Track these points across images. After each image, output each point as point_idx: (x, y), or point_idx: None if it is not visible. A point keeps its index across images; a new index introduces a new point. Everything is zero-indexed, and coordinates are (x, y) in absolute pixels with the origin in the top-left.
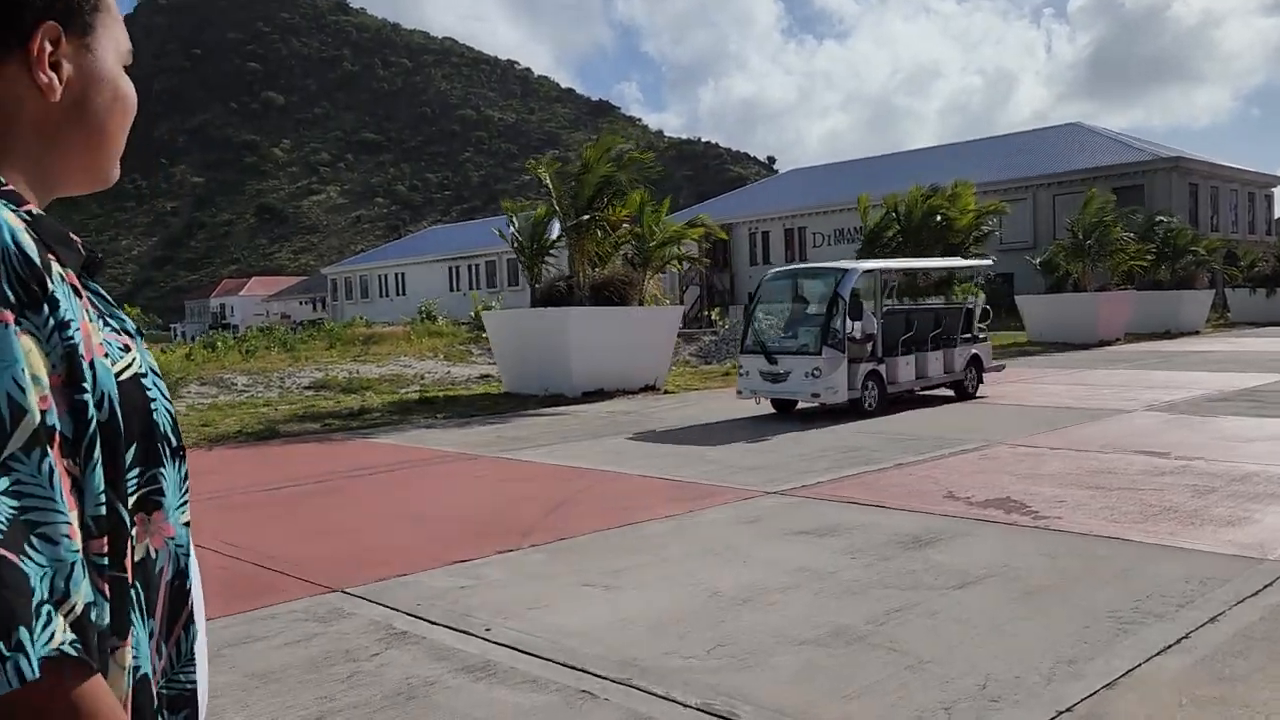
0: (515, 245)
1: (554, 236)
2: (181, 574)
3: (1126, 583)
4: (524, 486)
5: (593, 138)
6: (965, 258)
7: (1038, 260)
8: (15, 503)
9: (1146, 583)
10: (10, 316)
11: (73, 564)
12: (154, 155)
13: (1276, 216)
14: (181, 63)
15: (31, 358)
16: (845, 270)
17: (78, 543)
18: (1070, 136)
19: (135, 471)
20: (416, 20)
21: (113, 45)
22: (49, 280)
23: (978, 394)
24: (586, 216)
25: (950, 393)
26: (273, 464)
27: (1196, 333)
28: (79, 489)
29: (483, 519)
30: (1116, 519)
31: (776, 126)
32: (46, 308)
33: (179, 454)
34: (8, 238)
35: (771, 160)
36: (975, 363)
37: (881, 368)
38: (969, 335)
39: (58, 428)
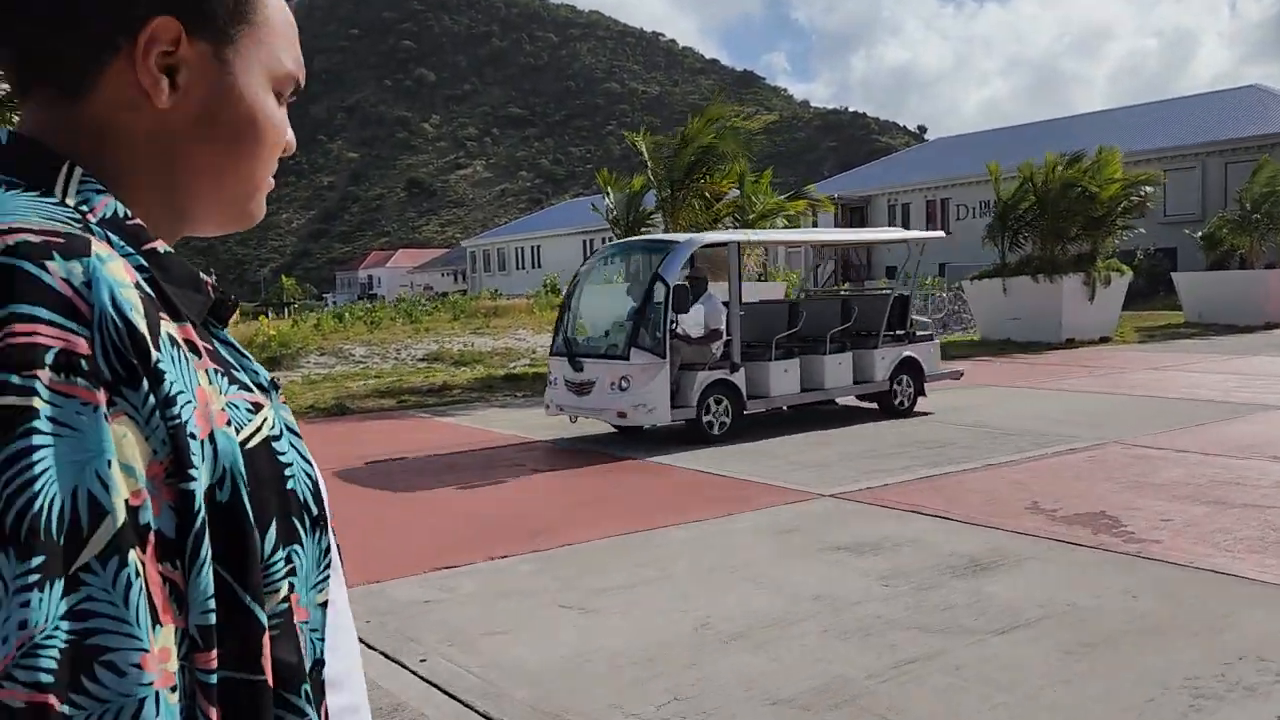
0: (610, 218)
1: (651, 209)
2: (318, 663)
3: (1218, 637)
4: (562, 479)
5: (735, 109)
6: (1110, 232)
7: (1199, 234)
8: (78, 626)
9: (1244, 638)
10: (102, 397)
11: (142, 700)
12: (313, 132)
13: None
14: (340, 42)
15: (125, 445)
16: (674, 244)
17: (153, 673)
18: (1247, 100)
19: (281, 555)
20: None
21: (261, 65)
22: (154, 349)
23: (915, 408)
24: (681, 189)
25: (874, 406)
26: (326, 443)
27: None
28: (179, 598)
29: (497, 516)
30: (1229, 546)
31: (930, 95)
32: (147, 383)
33: (319, 524)
34: (106, 300)
35: (922, 130)
36: (909, 369)
37: (737, 376)
38: (900, 332)
39: (153, 526)
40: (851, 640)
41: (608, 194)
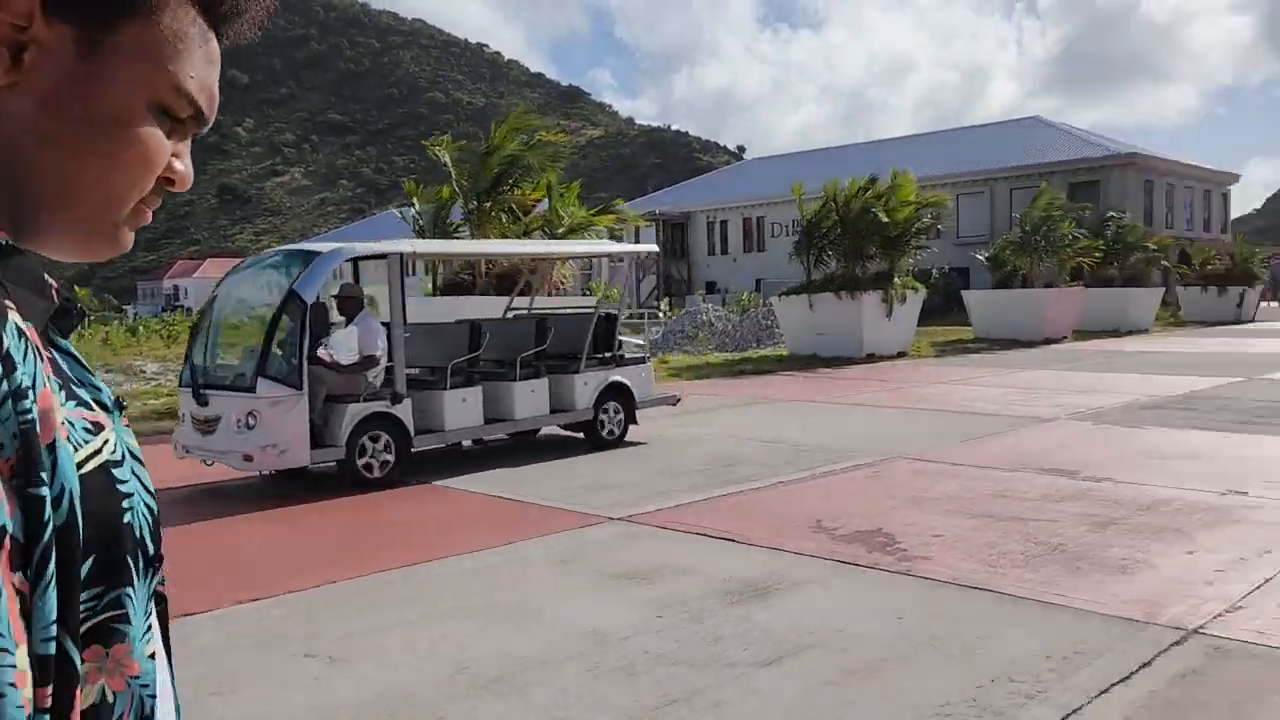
0: (417, 230)
1: (459, 221)
2: None
3: (973, 659)
4: (321, 511)
5: (561, 123)
6: (905, 251)
7: (985, 255)
8: None
9: (998, 659)
10: None
11: None
12: None
13: (1233, 216)
14: None
15: None
16: (315, 255)
17: (27, 691)
18: (1029, 131)
19: (92, 592)
20: (386, 0)
21: (147, 70)
22: (3, 334)
23: (625, 438)
24: (488, 200)
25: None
26: None
27: (1146, 331)
28: (27, 614)
29: (252, 554)
30: (993, 561)
31: (749, 117)
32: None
33: (153, 565)
34: None
35: (741, 150)
36: (617, 395)
37: (401, 409)
38: (607, 355)
39: (8, 529)
40: (614, 680)
41: (414, 204)
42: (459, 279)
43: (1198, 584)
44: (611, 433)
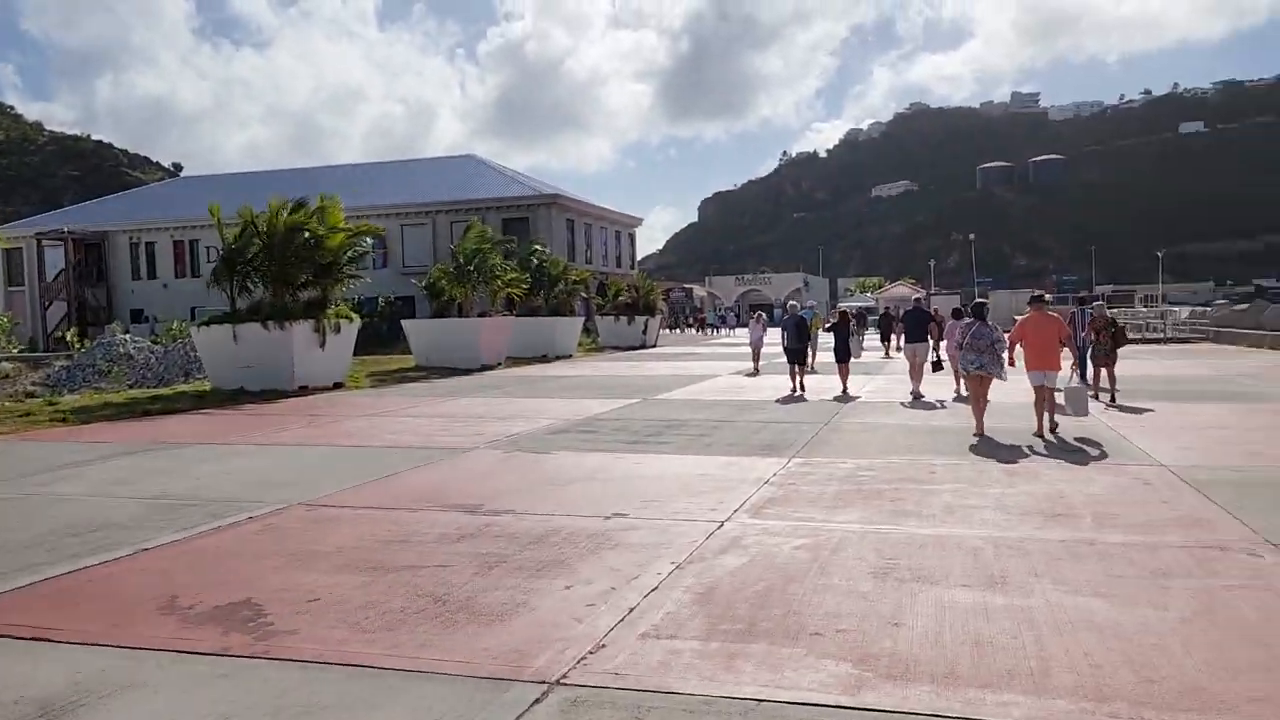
0: None
1: None
2: None
3: None
4: None
5: None
6: (339, 279)
7: (422, 284)
8: None
9: None
10: None
11: None
12: None
13: (642, 254)
14: None
15: None
16: None
17: None
18: (468, 168)
19: None
20: None
21: None
22: None
23: None
24: None
25: None
26: None
27: (570, 356)
28: None
29: None
30: (368, 625)
31: (191, 133)
32: None
33: None
34: None
35: (178, 167)
36: None
37: None
38: None
39: None
40: None
41: None
42: None
43: (569, 624)
44: None
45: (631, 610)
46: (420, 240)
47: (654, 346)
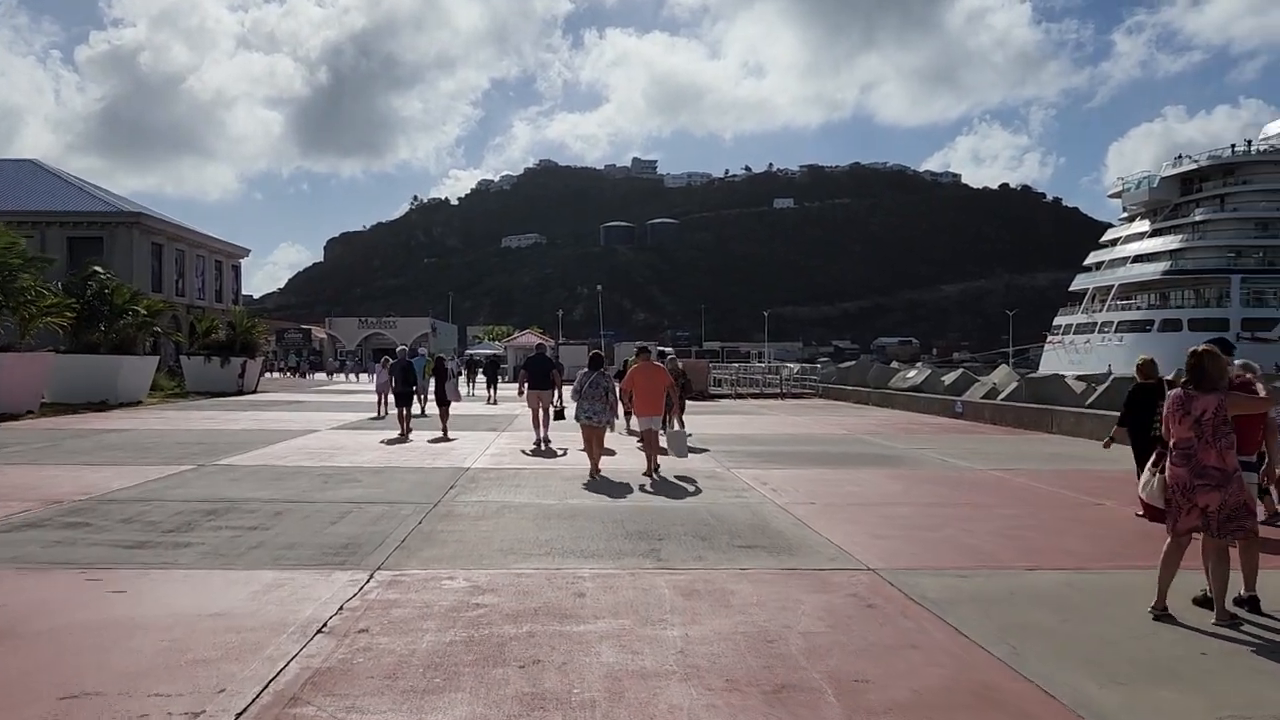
0: None
1: None
2: None
3: None
4: None
5: None
6: None
7: None
8: None
9: None
10: None
11: None
12: None
13: (262, 292)
14: None
15: None
16: None
17: None
18: (23, 174)
19: None
20: None
21: None
22: None
23: None
24: None
25: None
26: None
27: (139, 403)
28: None
29: None
30: None
31: None
32: None
33: None
34: None
35: None
36: None
37: None
38: None
39: None
40: None
41: None
42: None
43: None
44: None
45: None
46: None
47: (254, 392)
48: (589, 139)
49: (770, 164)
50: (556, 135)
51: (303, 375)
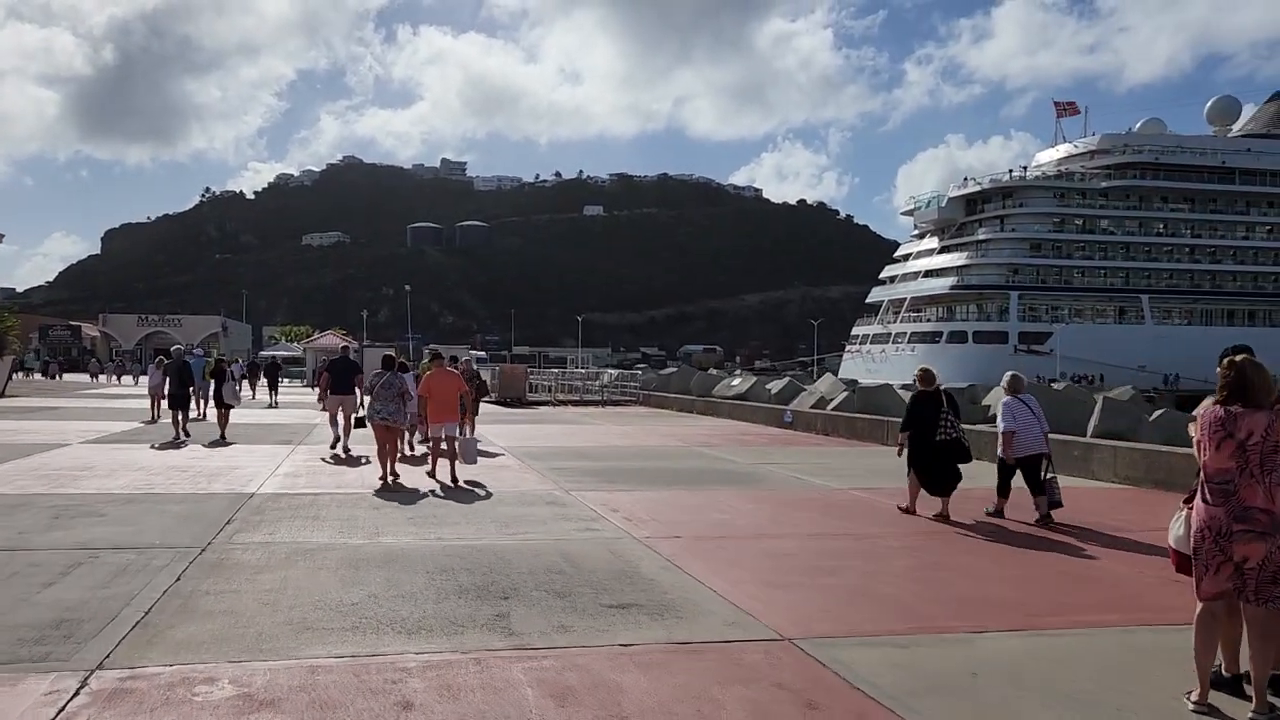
0: None
1: None
2: None
3: None
4: None
5: None
6: None
7: None
8: None
9: None
10: None
11: None
12: None
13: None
14: None
15: None
16: None
17: None
18: None
19: None
20: None
21: None
22: None
23: None
24: None
25: None
26: None
27: None
28: None
29: None
30: None
31: None
32: None
33: None
34: None
35: None
36: None
37: None
38: None
39: None
40: None
41: None
42: None
43: None
44: None
45: None
46: None
47: (2, 396)
48: (401, 137)
49: (581, 171)
50: (367, 131)
51: (53, 377)
